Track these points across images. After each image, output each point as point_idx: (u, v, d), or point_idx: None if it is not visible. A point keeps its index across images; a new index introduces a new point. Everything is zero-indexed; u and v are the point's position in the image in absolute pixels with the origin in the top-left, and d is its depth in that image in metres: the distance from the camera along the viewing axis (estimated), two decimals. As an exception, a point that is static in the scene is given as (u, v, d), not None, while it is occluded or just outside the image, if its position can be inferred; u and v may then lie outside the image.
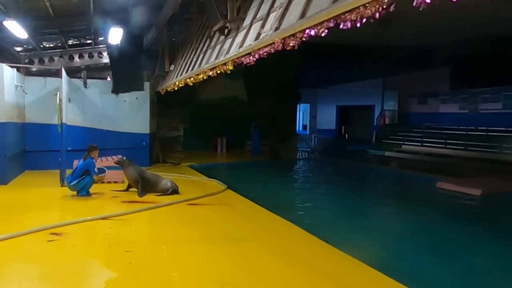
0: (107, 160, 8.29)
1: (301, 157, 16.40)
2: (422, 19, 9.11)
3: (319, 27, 3.78)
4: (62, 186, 7.70)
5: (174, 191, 7.15)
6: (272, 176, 11.73)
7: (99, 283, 3.50)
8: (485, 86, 14.98)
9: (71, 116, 9.37)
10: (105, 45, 11.27)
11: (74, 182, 6.72)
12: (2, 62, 8.22)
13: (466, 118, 15.92)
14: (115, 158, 7.50)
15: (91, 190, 6.95)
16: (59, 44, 12.45)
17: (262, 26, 5.13)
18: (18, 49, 12.13)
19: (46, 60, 12.33)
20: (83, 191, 6.81)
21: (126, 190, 7.30)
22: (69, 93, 9.30)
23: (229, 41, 6.34)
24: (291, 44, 4.32)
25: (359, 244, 5.23)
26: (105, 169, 7.16)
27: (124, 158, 7.37)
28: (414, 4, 2.88)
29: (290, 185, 10.19)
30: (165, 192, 7.09)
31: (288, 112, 17.64)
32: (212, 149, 15.74)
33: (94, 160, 6.92)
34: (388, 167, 13.63)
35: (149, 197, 6.86)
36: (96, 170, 6.84)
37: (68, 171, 7.98)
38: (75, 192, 6.85)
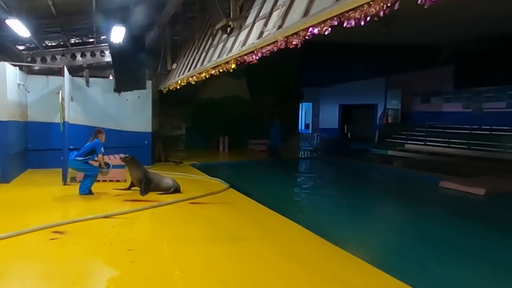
0: (109, 159, 8.29)
1: (303, 156, 16.37)
2: (426, 18, 9.05)
3: (322, 25, 3.75)
4: (64, 184, 7.72)
5: (176, 190, 7.15)
6: (274, 175, 11.72)
7: (102, 281, 3.49)
8: (489, 85, 14.87)
9: (74, 115, 9.39)
10: (107, 44, 11.25)
11: (80, 159, 6.72)
12: (5, 60, 8.23)
13: (470, 117, 15.83)
14: (122, 155, 7.46)
15: (93, 189, 6.96)
16: (62, 43, 12.45)
17: (265, 25, 5.11)
18: (21, 47, 12.13)
19: (48, 58, 12.32)
20: (85, 190, 6.82)
21: (128, 188, 7.30)
22: (72, 91, 9.31)
23: (231, 39, 6.32)
24: (294, 43, 4.30)
25: (361, 243, 5.22)
26: (110, 164, 7.15)
27: (130, 156, 7.31)
28: (418, 2, 2.85)
29: (292, 184, 10.17)
30: (167, 191, 7.08)
31: (290, 111, 17.62)
32: (214, 148, 15.73)
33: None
34: (391, 166, 13.59)
35: (151, 195, 6.86)
36: (102, 150, 6.79)
37: (71, 170, 8.00)
38: (77, 191, 6.86)
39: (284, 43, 4.46)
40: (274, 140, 14.60)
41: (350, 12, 3.35)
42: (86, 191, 6.84)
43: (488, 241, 5.57)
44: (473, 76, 14.54)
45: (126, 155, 7.35)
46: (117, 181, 8.16)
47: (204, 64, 7.60)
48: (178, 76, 9.72)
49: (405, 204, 7.98)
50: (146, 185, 7.02)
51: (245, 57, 5.60)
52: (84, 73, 10.73)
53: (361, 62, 16.02)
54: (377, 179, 12.09)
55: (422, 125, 16.99)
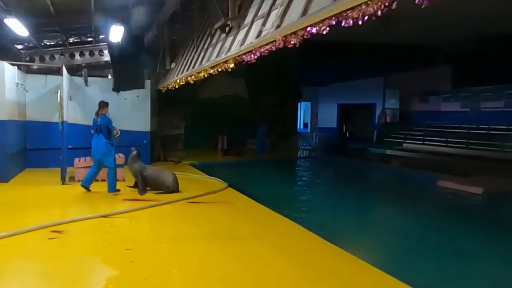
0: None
1: (302, 156, 16.39)
2: (424, 17, 9.06)
3: (320, 24, 3.76)
4: (63, 184, 7.71)
5: (175, 190, 7.13)
6: (273, 175, 11.73)
7: (100, 280, 3.50)
8: (487, 84, 14.94)
9: (72, 114, 9.38)
10: (106, 43, 11.24)
11: (109, 142, 6.93)
12: (3, 60, 8.21)
13: (468, 116, 15.89)
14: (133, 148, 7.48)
15: (92, 188, 6.97)
16: (60, 42, 12.42)
17: (264, 24, 5.11)
18: (19, 47, 12.10)
19: (47, 58, 12.28)
20: (113, 188, 6.97)
21: (134, 186, 7.27)
22: (70, 91, 9.30)
23: (230, 39, 6.33)
24: (293, 42, 4.30)
25: (359, 241, 5.23)
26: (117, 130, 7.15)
27: (137, 150, 7.34)
28: (416, 1, 2.86)
29: (291, 184, 10.19)
30: (166, 189, 7.08)
31: (289, 110, 17.63)
32: (213, 147, 15.74)
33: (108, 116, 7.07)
34: (390, 166, 13.62)
35: (150, 195, 6.86)
36: (113, 125, 7.00)
37: (69, 170, 8.01)
38: (75, 191, 6.87)
39: (282, 42, 4.47)
40: (259, 140, 14.69)
41: (348, 12, 3.35)
42: (114, 189, 6.97)
43: (486, 240, 5.59)
44: (471, 76, 14.61)
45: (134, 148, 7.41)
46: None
47: (202, 63, 7.60)
48: (177, 75, 9.71)
49: (403, 203, 7.99)
50: (142, 183, 7.01)
51: (244, 56, 5.60)
52: (82, 72, 10.70)
53: (359, 62, 16.04)
54: (375, 178, 12.11)
55: (420, 124, 17.04)
